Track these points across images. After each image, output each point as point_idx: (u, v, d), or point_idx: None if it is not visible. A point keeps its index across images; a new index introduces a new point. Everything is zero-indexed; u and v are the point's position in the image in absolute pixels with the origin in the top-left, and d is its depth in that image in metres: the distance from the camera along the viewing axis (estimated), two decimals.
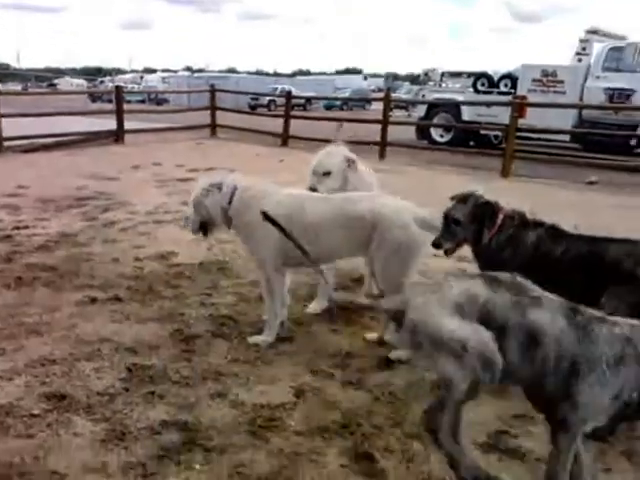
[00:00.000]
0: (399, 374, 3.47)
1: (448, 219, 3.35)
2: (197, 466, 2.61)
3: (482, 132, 16.74)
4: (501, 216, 3.29)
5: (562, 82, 15.68)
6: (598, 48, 15.48)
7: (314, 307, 4.39)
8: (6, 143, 12.69)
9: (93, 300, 4.45)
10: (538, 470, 2.60)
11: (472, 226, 3.31)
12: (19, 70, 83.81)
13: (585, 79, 15.43)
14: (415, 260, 3.68)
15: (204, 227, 3.97)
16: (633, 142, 14.63)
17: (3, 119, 12.52)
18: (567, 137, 15.57)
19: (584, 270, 3.02)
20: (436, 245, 3.41)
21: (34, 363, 3.46)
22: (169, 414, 2.99)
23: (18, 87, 55.11)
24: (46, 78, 66.83)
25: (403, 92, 41.95)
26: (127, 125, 15.42)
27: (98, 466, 2.59)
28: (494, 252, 3.26)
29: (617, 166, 13.07)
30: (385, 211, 3.63)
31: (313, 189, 4.25)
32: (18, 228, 6.46)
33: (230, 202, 3.82)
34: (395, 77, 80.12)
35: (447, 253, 3.49)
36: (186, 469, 2.59)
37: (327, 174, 4.32)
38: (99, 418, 2.94)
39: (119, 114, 15.17)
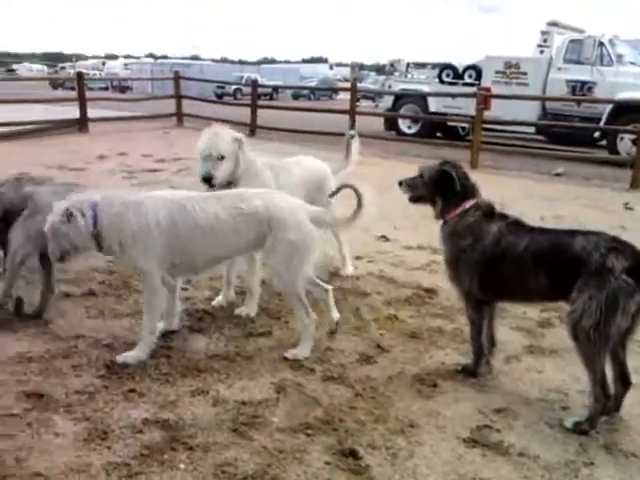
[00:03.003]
0: (379, 368, 3.50)
1: (419, 170, 3.54)
2: (182, 465, 2.58)
3: (449, 124, 16.86)
4: (471, 202, 3.33)
5: (525, 74, 15.80)
6: (559, 40, 15.64)
7: None
8: None
9: (67, 295, 4.37)
10: (522, 465, 2.65)
11: (430, 187, 3.44)
12: None
13: (547, 71, 15.60)
14: (310, 259, 3.58)
15: (63, 257, 3.49)
16: (596, 134, 14.90)
17: None
18: (531, 129, 15.80)
19: (549, 264, 2.99)
20: (400, 183, 3.58)
21: (10, 361, 3.39)
22: (150, 412, 2.96)
23: None
24: (3, 63, 64.93)
25: (369, 82, 42.06)
26: (90, 113, 15.06)
27: (81, 467, 2.54)
28: (455, 237, 3.30)
29: (582, 158, 13.36)
30: (280, 211, 3.51)
31: (208, 178, 3.97)
32: None
33: (96, 223, 3.36)
34: (361, 67, 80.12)
35: (411, 199, 3.61)
36: (171, 469, 2.56)
37: (221, 158, 3.97)
38: (80, 417, 2.89)
39: (82, 102, 14.78)
